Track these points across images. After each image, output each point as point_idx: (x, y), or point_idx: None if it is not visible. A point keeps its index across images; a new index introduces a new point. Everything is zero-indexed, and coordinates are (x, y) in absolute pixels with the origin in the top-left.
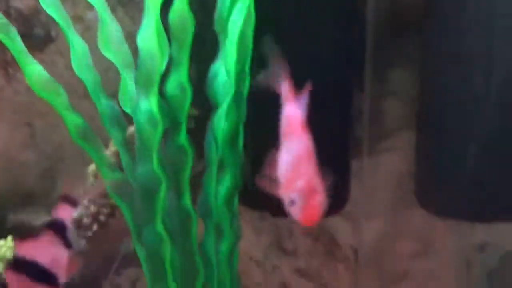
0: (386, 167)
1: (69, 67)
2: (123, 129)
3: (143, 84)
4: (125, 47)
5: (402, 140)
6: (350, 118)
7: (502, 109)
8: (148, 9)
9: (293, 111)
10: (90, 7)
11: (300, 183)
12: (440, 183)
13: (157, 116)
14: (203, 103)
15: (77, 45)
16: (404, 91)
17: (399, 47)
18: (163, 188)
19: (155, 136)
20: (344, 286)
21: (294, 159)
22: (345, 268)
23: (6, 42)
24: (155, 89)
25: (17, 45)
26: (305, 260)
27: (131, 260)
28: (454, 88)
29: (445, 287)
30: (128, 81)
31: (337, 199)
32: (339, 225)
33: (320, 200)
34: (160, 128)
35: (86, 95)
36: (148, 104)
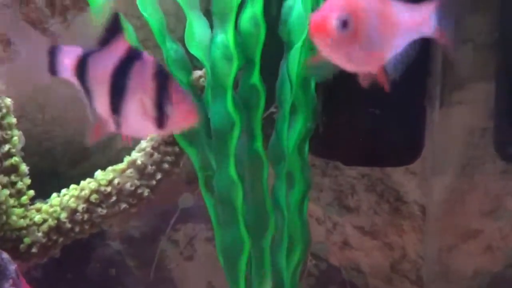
0: (458, 120)
1: (127, 13)
2: (189, 72)
3: (219, 15)
4: None
5: (475, 92)
6: (425, 71)
7: None
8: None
9: None
10: None
11: None
12: None
13: (233, 50)
14: None
15: None
16: (480, 38)
17: None
18: (237, 129)
19: (230, 73)
20: (410, 245)
21: None
22: (412, 226)
23: None
24: (231, 20)
25: None
26: (368, 218)
27: (188, 216)
28: None
29: None
30: (194, 21)
31: (410, 151)
32: (405, 181)
33: None
34: (235, 64)
35: None
36: (225, 37)
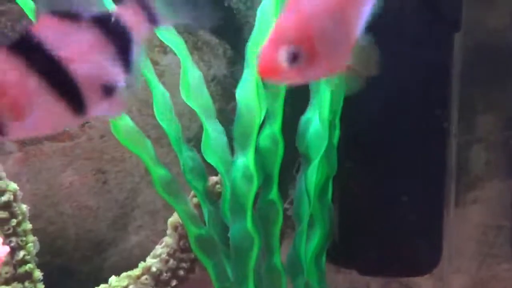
0: (473, 219)
1: (142, 112)
2: (205, 180)
3: (240, 138)
4: (206, 94)
5: (490, 191)
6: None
7: None
8: (248, 64)
9: None
10: (166, 52)
11: None
12: None
13: (253, 171)
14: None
15: (159, 94)
16: (492, 136)
17: (485, 92)
18: (256, 246)
19: (250, 193)
20: None
21: None
22: None
23: None
24: (252, 144)
25: None
26: None
27: None
28: None
29: None
30: (210, 131)
31: (429, 259)
32: (421, 280)
33: None
34: (255, 184)
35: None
36: (245, 160)
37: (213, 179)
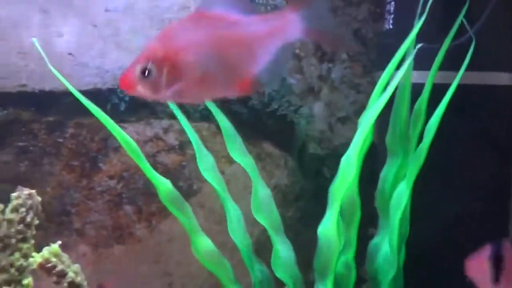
0: None
1: (208, 219)
2: None
3: (320, 269)
4: (275, 211)
5: None
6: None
7: None
8: (332, 202)
9: None
10: (231, 162)
11: None
12: None
13: None
14: None
15: (232, 211)
16: None
17: None
18: None
19: None
20: None
21: None
22: None
23: (181, 217)
24: (331, 274)
25: (191, 222)
26: None
27: None
28: None
29: None
30: (279, 246)
31: None
32: None
33: None
34: None
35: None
36: None
37: None
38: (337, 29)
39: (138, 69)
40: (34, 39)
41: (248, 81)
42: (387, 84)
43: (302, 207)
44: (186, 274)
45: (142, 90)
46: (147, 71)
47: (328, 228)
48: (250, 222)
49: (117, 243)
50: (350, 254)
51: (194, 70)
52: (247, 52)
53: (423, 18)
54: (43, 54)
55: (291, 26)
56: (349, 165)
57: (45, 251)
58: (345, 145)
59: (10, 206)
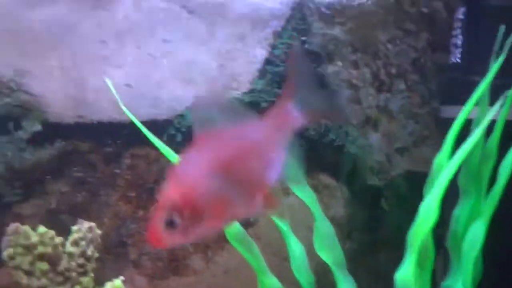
0: None
1: (265, 250)
2: None
3: None
4: (338, 247)
5: None
6: None
7: None
8: (410, 247)
9: None
10: (288, 193)
11: None
12: None
13: None
14: None
15: (296, 249)
16: None
17: None
18: None
19: None
20: None
21: None
22: None
23: (248, 257)
24: None
25: (259, 262)
26: None
27: None
28: None
29: None
30: (342, 283)
31: None
32: None
33: None
34: None
35: None
36: None
37: None
38: (329, 101)
39: (162, 223)
40: (106, 79)
41: (271, 194)
42: (466, 120)
43: (359, 239)
44: None
45: (172, 240)
46: (171, 222)
47: (406, 274)
48: (308, 255)
49: (173, 275)
50: None
51: (216, 204)
52: (264, 161)
53: (503, 55)
54: (116, 95)
55: (291, 117)
56: (430, 210)
57: (108, 286)
58: (403, 176)
59: (70, 239)
